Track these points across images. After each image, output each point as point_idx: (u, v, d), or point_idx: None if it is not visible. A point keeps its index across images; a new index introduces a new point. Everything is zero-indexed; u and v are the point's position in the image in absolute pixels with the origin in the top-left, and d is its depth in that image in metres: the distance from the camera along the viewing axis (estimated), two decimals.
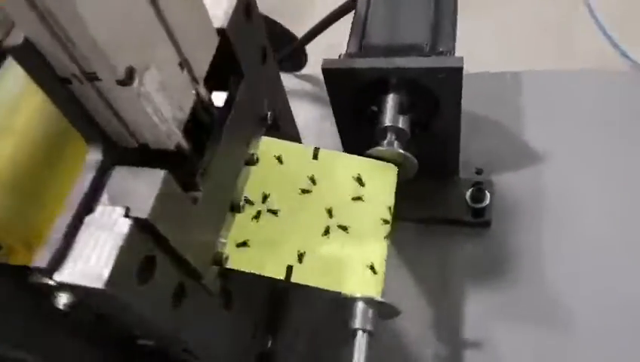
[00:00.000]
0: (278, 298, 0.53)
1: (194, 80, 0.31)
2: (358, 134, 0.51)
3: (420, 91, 0.48)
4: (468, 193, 0.57)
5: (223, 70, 0.36)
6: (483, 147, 0.62)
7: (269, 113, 0.43)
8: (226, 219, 0.38)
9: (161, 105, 0.27)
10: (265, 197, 0.43)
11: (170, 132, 0.29)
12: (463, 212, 0.57)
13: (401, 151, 0.46)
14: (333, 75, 0.48)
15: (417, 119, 0.50)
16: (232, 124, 0.36)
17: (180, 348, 0.37)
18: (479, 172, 0.60)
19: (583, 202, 0.57)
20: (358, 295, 0.39)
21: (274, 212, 0.43)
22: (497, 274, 0.55)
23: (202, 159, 0.34)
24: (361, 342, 0.38)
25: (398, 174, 0.46)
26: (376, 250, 0.42)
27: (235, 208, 0.39)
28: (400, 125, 0.48)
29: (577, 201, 0.57)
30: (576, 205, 0.57)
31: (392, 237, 0.43)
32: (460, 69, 0.45)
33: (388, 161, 0.46)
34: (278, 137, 0.45)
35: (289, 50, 0.71)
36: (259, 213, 0.42)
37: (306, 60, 0.75)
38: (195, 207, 0.33)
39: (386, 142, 0.47)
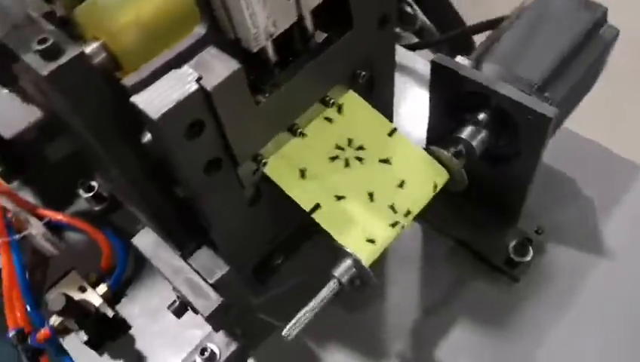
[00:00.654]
0: (304, 232, 0.59)
1: (298, 6, 0.37)
2: (441, 128, 0.54)
3: (506, 123, 0.50)
4: (514, 242, 0.58)
5: (334, 15, 0.42)
6: (558, 211, 0.61)
7: (362, 73, 0.48)
8: (279, 136, 0.45)
9: (258, 13, 0.34)
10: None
11: (257, 37, 0.36)
12: (499, 254, 0.58)
13: (459, 165, 0.49)
14: (438, 70, 0.51)
15: (495, 149, 0.52)
16: (319, 63, 0.42)
17: (196, 212, 0.45)
18: (538, 231, 0.60)
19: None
20: (350, 250, 0.44)
21: (333, 157, 0.48)
22: (495, 327, 0.55)
23: (279, 74, 0.40)
24: (330, 287, 0.43)
25: (447, 183, 0.49)
26: (383, 231, 0.45)
27: (293, 131, 0.45)
28: (473, 143, 0.50)
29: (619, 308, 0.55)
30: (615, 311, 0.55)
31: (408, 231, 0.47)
32: (548, 119, 0.46)
33: (443, 165, 0.49)
34: (369, 101, 0.50)
35: (452, 35, 0.74)
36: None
37: (472, 48, 0.77)
38: (255, 108, 0.40)
39: (453, 149, 0.50)
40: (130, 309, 0.60)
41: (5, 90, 0.84)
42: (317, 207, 0.46)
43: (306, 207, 0.45)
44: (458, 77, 0.50)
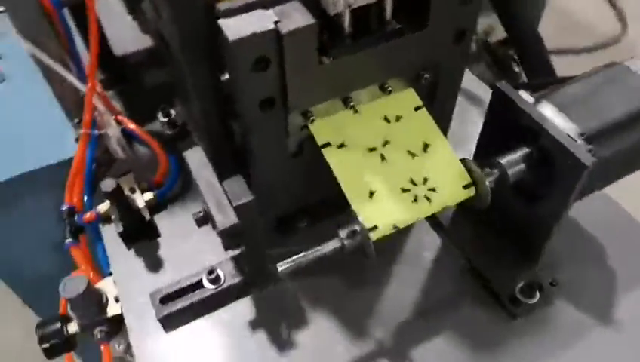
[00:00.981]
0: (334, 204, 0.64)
1: None
2: (489, 148, 0.57)
3: (546, 162, 0.51)
4: (524, 282, 0.59)
5: (414, 10, 0.46)
6: (579, 270, 0.61)
7: (426, 76, 0.52)
8: (332, 102, 0.49)
9: None
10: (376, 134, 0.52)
11: (336, 2, 0.41)
12: (506, 288, 0.59)
13: (488, 186, 0.51)
14: (499, 96, 0.54)
15: (529, 185, 0.54)
16: (388, 49, 0.47)
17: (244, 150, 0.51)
18: (553, 283, 0.60)
19: None
20: (361, 219, 0.48)
21: (371, 149, 0.52)
22: (477, 350, 0.57)
23: (348, 45, 0.45)
24: (331, 244, 0.48)
25: (471, 199, 0.52)
26: (398, 214, 0.49)
27: (346, 103, 0.50)
28: (509, 171, 0.52)
29: None
30: None
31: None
32: (584, 166, 0.47)
33: (473, 180, 0.52)
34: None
35: (543, 82, 0.76)
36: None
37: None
38: (317, 66, 0.45)
39: (487, 170, 0.53)
40: (165, 222, 0.67)
41: (129, 17, 0.96)
42: (346, 178, 0.50)
43: (338, 174, 0.50)
44: (514, 107, 0.53)
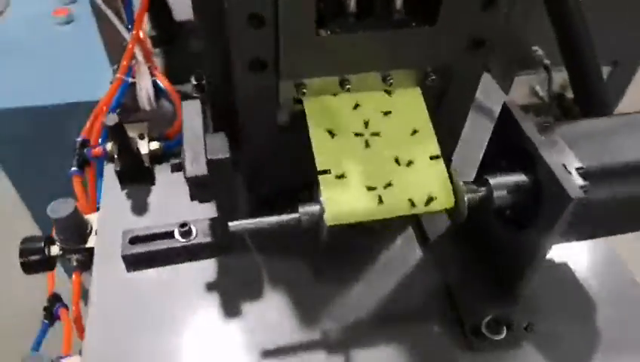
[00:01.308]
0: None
1: None
2: (491, 163, 0.54)
3: (536, 193, 0.48)
4: (490, 317, 0.55)
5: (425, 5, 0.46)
6: (563, 324, 0.57)
7: (432, 77, 0.51)
8: (327, 79, 0.49)
9: None
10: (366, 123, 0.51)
11: None
12: (471, 316, 0.55)
13: (466, 201, 0.49)
14: (506, 112, 0.51)
15: (515, 212, 0.51)
16: (387, 36, 0.46)
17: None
18: (527, 328, 0.56)
19: None
20: (323, 200, 0.47)
21: (357, 133, 0.51)
22: None
23: (350, 24, 0.45)
24: (289, 216, 0.47)
25: (449, 210, 0.50)
26: (359, 203, 0.48)
27: (342, 84, 0.50)
28: (495, 193, 0.50)
29: None
30: None
31: None
32: (568, 198, 0.44)
33: (454, 191, 0.50)
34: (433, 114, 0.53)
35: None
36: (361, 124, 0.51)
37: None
38: (314, 37, 0.45)
39: (472, 186, 0.50)
40: (164, 174, 0.69)
41: None
42: (326, 172, 0.49)
43: (315, 147, 0.49)
44: (517, 127, 0.50)
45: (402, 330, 0.56)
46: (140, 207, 0.65)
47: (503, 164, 0.53)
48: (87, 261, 0.65)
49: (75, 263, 0.65)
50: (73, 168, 0.70)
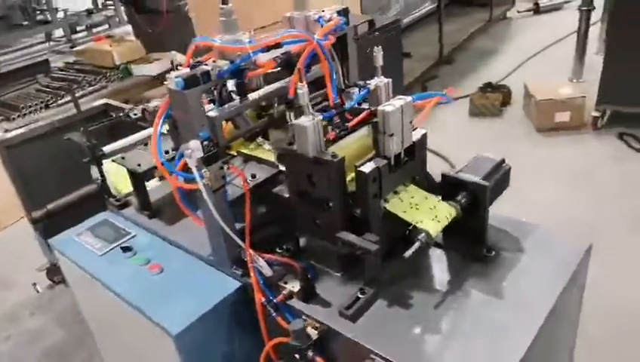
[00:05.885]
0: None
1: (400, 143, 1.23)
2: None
3: (473, 199, 1.30)
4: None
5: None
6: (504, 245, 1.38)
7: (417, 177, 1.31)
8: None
9: None
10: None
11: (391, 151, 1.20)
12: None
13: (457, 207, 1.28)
14: (445, 178, 1.34)
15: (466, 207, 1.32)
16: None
17: None
18: (490, 251, 1.35)
19: None
20: (421, 227, 1.21)
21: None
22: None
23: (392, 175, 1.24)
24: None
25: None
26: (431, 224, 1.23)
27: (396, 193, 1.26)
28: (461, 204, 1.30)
29: None
30: None
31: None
32: (486, 186, 1.26)
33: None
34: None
35: None
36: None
37: None
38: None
39: (454, 203, 1.30)
40: None
41: None
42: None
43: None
44: (451, 177, 1.32)
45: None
46: None
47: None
48: None
49: None
50: None
